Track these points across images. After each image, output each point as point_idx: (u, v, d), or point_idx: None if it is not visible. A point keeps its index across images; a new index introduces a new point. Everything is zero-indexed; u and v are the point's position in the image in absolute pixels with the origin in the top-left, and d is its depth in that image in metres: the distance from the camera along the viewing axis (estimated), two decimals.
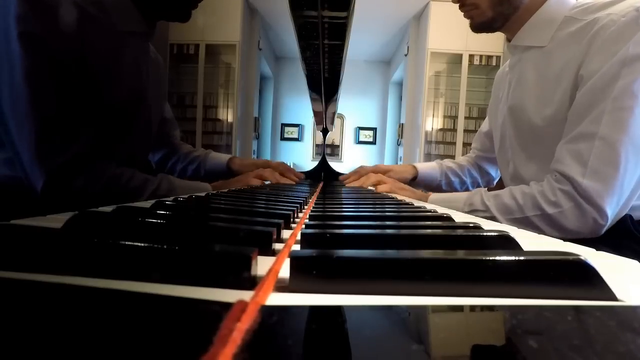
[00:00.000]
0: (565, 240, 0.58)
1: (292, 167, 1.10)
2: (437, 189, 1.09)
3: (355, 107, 5.02)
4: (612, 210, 0.57)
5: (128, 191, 0.68)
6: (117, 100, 0.70)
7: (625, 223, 0.61)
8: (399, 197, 0.78)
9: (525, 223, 0.64)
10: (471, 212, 0.70)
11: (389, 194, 0.83)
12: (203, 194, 0.57)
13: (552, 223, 0.61)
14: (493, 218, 0.67)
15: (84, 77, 0.62)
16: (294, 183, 1.06)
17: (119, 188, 0.67)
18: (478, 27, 0.75)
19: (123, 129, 0.74)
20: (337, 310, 0.14)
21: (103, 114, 0.67)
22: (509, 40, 0.76)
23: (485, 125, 1.02)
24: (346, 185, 1.09)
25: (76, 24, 0.60)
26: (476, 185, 1.09)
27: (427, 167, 1.09)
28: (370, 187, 1.01)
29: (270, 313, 0.12)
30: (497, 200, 0.68)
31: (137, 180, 0.70)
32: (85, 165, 0.63)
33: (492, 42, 3.22)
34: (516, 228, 0.35)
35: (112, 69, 0.69)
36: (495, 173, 1.07)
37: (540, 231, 0.62)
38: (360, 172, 1.12)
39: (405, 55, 3.83)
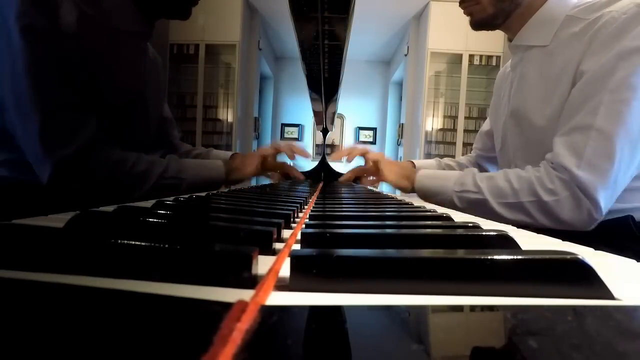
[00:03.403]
0: (557, 231, 0.57)
1: (292, 167, 1.11)
2: None
3: (355, 107, 5.02)
4: (605, 204, 0.57)
5: (135, 175, 0.67)
6: (114, 98, 0.70)
7: (627, 224, 0.60)
8: (400, 197, 0.78)
9: (517, 208, 0.62)
10: (462, 192, 0.69)
11: (389, 195, 0.83)
12: (203, 194, 0.57)
13: (546, 211, 0.60)
14: (484, 201, 0.65)
15: (81, 74, 0.62)
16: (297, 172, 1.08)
17: (125, 172, 0.66)
18: (478, 23, 0.74)
19: (119, 126, 0.74)
20: (337, 310, 0.14)
21: (99, 111, 0.67)
22: (510, 40, 0.76)
23: (486, 125, 1.02)
24: (332, 159, 1.11)
25: (74, 21, 0.60)
26: None
27: (425, 164, 1.09)
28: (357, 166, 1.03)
29: (270, 313, 0.12)
30: (491, 183, 0.66)
31: (143, 163, 0.69)
32: (90, 154, 0.62)
33: (492, 42, 3.22)
34: (515, 228, 0.35)
35: (108, 67, 0.68)
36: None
37: (532, 218, 0.61)
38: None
39: (405, 55, 3.82)
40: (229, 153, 1.08)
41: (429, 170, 0.80)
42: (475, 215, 0.41)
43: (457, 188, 0.69)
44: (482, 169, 1.07)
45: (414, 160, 1.09)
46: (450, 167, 1.07)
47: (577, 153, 0.57)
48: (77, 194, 0.62)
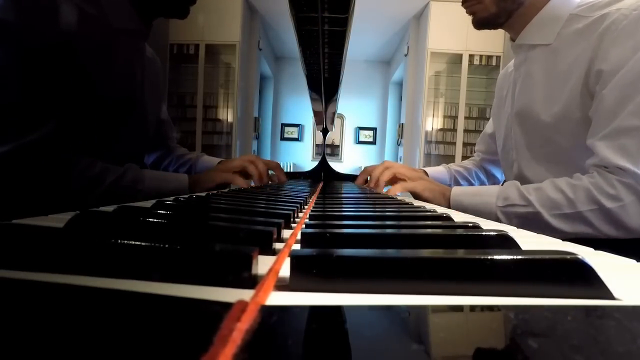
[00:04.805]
0: (621, 240, 0.55)
1: (292, 167, 1.09)
2: None
3: (355, 107, 5.03)
4: None
5: (84, 180, 0.64)
6: (106, 97, 0.69)
7: None
8: (400, 197, 0.77)
9: (576, 219, 0.58)
10: (507, 206, 0.65)
11: (389, 194, 0.83)
12: (203, 194, 0.57)
13: (611, 219, 0.56)
14: (536, 214, 0.61)
15: (64, 72, 0.61)
16: (281, 182, 1.03)
17: (74, 177, 0.63)
18: (481, 22, 0.74)
19: (113, 127, 0.72)
20: (337, 310, 0.14)
21: (88, 111, 0.65)
22: (512, 39, 0.76)
23: (489, 127, 1.00)
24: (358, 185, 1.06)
25: (63, 18, 0.58)
26: None
27: (437, 172, 1.06)
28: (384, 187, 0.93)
29: (270, 313, 0.12)
30: (540, 194, 0.61)
31: (96, 169, 0.66)
32: (32, 155, 0.59)
33: (492, 42, 3.22)
34: (515, 228, 0.35)
35: (101, 66, 0.67)
36: (500, 175, 1.04)
37: (594, 229, 0.57)
38: (368, 172, 1.05)
39: (405, 55, 3.83)
40: (218, 159, 1.05)
41: (463, 188, 0.77)
42: (528, 230, 0.38)
43: (500, 203, 0.65)
44: (488, 172, 1.06)
45: (425, 168, 1.06)
46: (460, 173, 1.06)
47: (632, 157, 0.54)
48: (20, 196, 0.58)
